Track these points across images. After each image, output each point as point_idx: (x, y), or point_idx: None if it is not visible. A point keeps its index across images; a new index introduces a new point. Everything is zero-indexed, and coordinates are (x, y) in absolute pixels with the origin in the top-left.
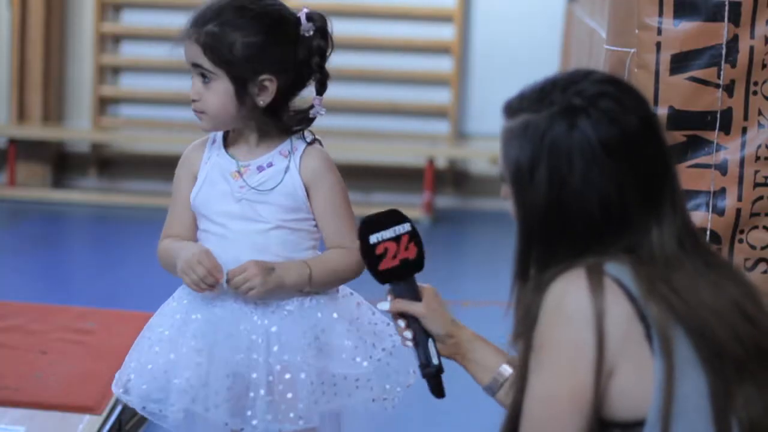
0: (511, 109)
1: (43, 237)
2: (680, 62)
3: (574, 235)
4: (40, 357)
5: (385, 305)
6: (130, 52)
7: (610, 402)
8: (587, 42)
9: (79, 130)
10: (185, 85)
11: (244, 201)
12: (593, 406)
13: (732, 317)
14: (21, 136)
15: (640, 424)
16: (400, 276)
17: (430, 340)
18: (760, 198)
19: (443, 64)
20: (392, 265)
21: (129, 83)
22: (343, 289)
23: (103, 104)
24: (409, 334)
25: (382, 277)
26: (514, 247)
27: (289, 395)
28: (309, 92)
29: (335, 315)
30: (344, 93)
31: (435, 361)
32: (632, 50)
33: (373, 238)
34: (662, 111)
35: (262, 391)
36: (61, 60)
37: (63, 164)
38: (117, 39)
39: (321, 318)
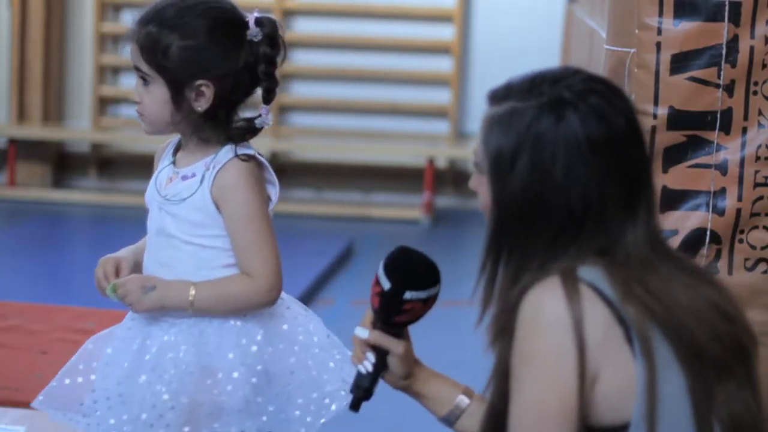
0: (497, 96)
1: (43, 237)
2: (680, 62)
3: (549, 231)
4: (40, 357)
5: (364, 333)
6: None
7: (595, 408)
8: (587, 42)
9: (79, 130)
10: None
11: (163, 211)
12: (579, 413)
13: (710, 317)
14: (21, 136)
15: (623, 428)
16: (400, 327)
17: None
18: (760, 198)
19: (443, 64)
20: (405, 320)
21: (129, 83)
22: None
23: (103, 104)
24: (372, 358)
25: (389, 325)
26: (484, 241)
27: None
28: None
29: (224, 342)
30: (344, 93)
31: (373, 390)
32: (632, 50)
33: (408, 295)
34: (662, 111)
35: (144, 415)
36: (61, 60)
37: (63, 164)
38: (117, 39)
39: (206, 344)
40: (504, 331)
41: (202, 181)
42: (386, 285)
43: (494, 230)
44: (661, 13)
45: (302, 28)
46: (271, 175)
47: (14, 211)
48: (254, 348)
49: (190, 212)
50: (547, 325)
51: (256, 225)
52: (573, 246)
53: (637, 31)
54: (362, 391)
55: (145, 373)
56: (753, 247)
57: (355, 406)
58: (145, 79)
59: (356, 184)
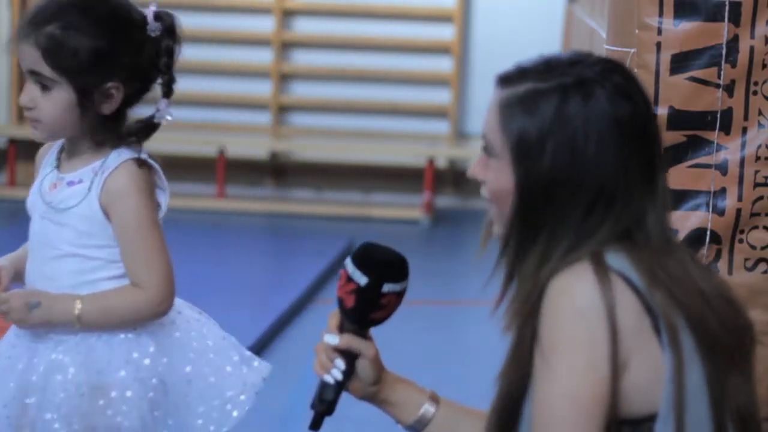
0: (510, 78)
1: None
2: (680, 62)
3: (578, 213)
4: None
5: (334, 339)
6: None
7: (623, 397)
8: (587, 42)
9: None
10: (185, 84)
11: (46, 220)
12: (610, 401)
13: (721, 307)
14: (21, 136)
15: (649, 419)
16: (372, 326)
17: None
18: (761, 198)
19: (443, 64)
20: (381, 317)
21: None
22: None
23: None
24: (342, 365)
25: (363, 322)
26: (506, 225)
27: None
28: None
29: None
30: (344, 93)
31: (337, 403)
32: (632, 50)
33: (386, 288)
34: (662, 111)
35: None
36: None
37: None
38: None
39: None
40: (527, 318)
41: (90, 188)
42: (362, 280)
43: (519, 213)
44: (661, 13)
45: (302, 28)
46: (162, 180)
47: (14, 211)
48: (147, 361)
49: (77, 221)
50: (579, 312)
51: (147, 234)
52: (601, 227)
53: (637, 31)
54: (326, 405)
55: (34, 394)
56: (753, 247)
57: (316, 424)
58: (44, 84)
59: (356, 184)
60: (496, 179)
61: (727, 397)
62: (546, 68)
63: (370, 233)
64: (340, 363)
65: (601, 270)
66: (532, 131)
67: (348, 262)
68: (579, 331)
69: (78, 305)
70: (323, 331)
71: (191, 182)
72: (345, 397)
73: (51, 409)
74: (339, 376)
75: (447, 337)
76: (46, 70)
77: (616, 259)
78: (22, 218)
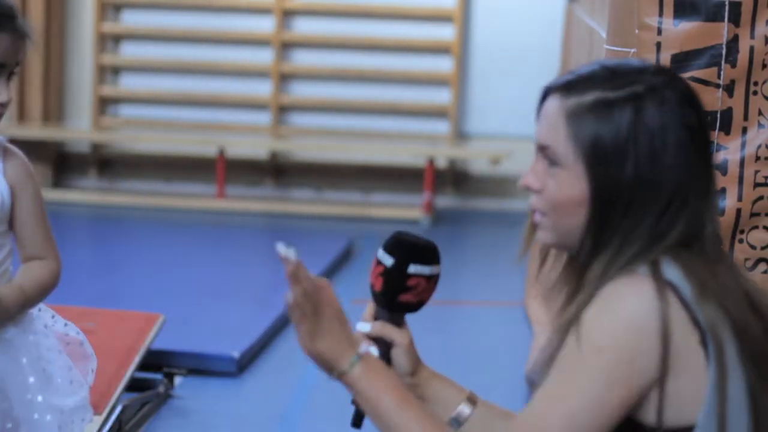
0: (571, 87)
1: None
2: (680, 62)
3: (649, 219)
4: None
5: (367, 326)
6: (130, 52)
7: (665, 407)
8: (587, 42)
9: (79, 130)
10: (185, 85)
11: None
12: (630, 410)
13: (765, 309)
14: (21, 136)
15: (686, 429)
16: (404, 311)
17: None
18: (760, 198)
19: (443, 64)
20: (411, 300)
21: (129, 83)
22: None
23: (103, 104)
24: (376, 352)
25: (393, 305)
26: (585, 232)
27: None
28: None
29: (45, 340)
30: (344, 93)
31: None
32: (632, 50)
33: (412, 269)
34: None
35: None
36: (61, 60)
37: (63, 164)
38: (117, 39)
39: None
40: (574, 314)
41: None
42: (388, 261)
43: (596, 221)
44: (661, 13)
45: (302, 28)
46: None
47: None
48: None
49: None
50: (635, 323)
51: (44, 209)
52: (670, 234)
53: (637, 31)
54: None
55: None
56: (753, 247)
57: (357, 421)
58: None
59: (356, 184)
60: (563, 189)
61: (766, 405)
62: (612, 75)
63: (370, 233)
64: (374, 350)
65: (659, 282)
66: (608, 139)
67: (380, 249)
68: (630, 342)
69: (21, 291)
70: (359, 321)
71: (191, 182)
72: (350, 395)
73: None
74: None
75: (447, 337)
76: None
77: (671, 269)
78: None
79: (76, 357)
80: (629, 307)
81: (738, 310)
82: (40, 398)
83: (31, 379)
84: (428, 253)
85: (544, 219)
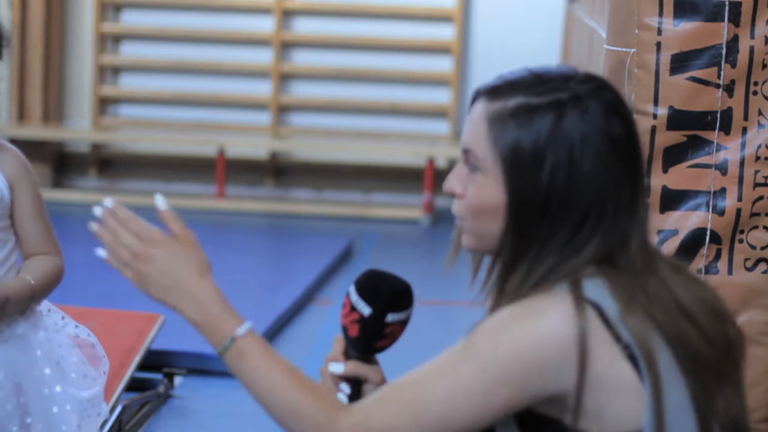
0: (497, 91)
1: None
2: (680, 62)
3: (568, 229)
4: None
5: (340, 367)
6: (130, 52)
7: (587, 419)
8: (587, 42)
9: (79, 130)
10: (185, 85)
11: None
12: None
13: (703, 317)
14: (21, 136)
15: None
16: (377, 353)
17: None
18: (760, 198)
19: (443, 64)
20: (386, 345)
21: (129, 83)
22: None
23: (103, 104)
24: (347, 389)
25: (368, 350)
26: (499, 240)
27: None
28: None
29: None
30: (344, 93)
31: None
32: (632, 50)
33: (390, 318)
34: (662, 111)
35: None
36: (61, 60)
37: (63, 164)
38: (117, 39)
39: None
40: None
41: None
42: (366, 310)
43: (512, 228)
44: (661, 13)
45: (302, 28)
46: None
47: None
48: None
49: None
50: (546, 334)
51: (43, 204)
52: (587, 246)
53: (637, 31)
54: None
55: None
56: (753, 247)
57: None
58: None
59: (356, 184)
60: (481, 194)
61: (716, 411)
62: (538, 82)
63: (370, 233)
64: (346, 388)
65: (579, 302)
66: (527, 145)
67: (352, 290)
68: (532, 348)
69: (30, 284)
70: (327, 357)
71: (191, 182)
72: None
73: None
74: (344, 401)
75: (447, 337)
76: None
77: (593, 287)
78: None
79: (88, 358)
80: (547, 322)
81: (669, 320)
82: (58, 388)
83: (48, 371)
84: (405, 299)
85: (463, 223)
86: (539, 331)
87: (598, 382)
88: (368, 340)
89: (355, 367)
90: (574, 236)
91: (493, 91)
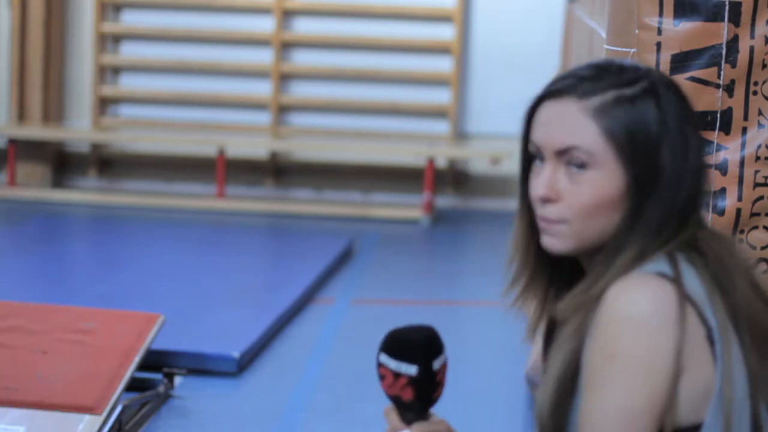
0: (582, 88)
1: (43, 237)
2: (680, 62)
3: (679, 204)
4: (40, 357)
5: None
6: (130, 52)
7: (675, 408)
8: (587, 42)
9: (79, 130)
10: (185, 85)
11: None
12: (663, 412)
13: (758, 299)
14: (21, 136)
15: (695, 428)
16: (433, 404)
17: None
18: (760, 198)
19: (443, 64)
20: (441, 392)
21: (129, 83)
22: None
23: (103, 104)
24: None
25: (426, 406)
26: (619, 227)
27: None
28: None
29: None
30: (344, 93)
31: None
32: (632, 50)
33: (436, 364)
34: None
35: None
36: (61, 60)
37: (63, 164)
38: (117, 39)
39: None
40: (585, 312)
41: None
42: (412, 370)
43: (630, 212)
44: (661, 13)
45: (302, 28)
46: None
47: (14, 211)
48: None
49: None
50: (646, 323)
51: None
52: (689, 223)
53: (637, 31)
54: None
55: None
56: (753, 247)
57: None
58: None
59: (356, 184)
60: (598, 190)
61: (763, 390)
62: (616, 74)
63: (370, 233)
64: None
65: (678, 280)
66: (642, 130)
67: (386, 359)
68: (641, 343)
69: None
70: (387, 430)
71: (191, 182)
72: (351, 394)
73: None
74: None
75: (447, 337)
76: None
77: (685, 267)
78: (22, 218)
79: None
80: (641, 308)
81: (745, 304)
82: None
83: None
84: (436, 340)
85: (563, 227)
86: (639, 318)
87: (687, 362)
88: (424, 396)
89: (422, 428)
90: (683, 209)
91: (583, 91)
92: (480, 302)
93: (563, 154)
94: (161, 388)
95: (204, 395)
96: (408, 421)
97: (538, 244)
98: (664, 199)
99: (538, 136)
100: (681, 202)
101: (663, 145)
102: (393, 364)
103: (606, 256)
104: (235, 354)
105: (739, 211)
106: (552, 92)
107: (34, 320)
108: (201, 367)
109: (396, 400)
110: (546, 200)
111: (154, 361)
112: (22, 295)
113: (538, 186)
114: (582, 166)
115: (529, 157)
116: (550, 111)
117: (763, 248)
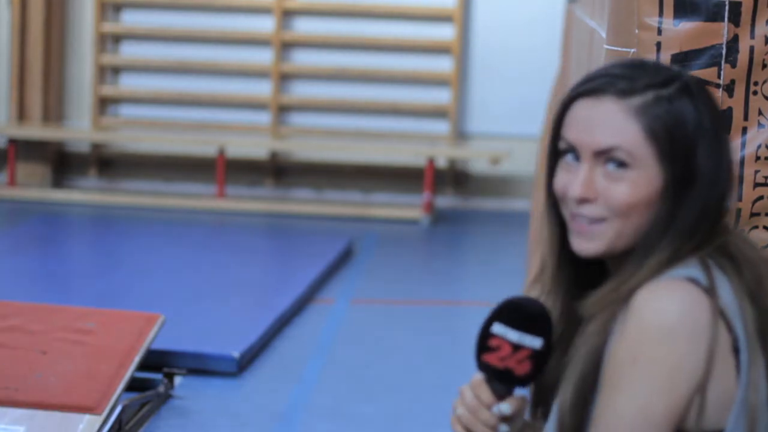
0: (621, 87)
1: (43, 237)
2: (680, 62)
3: (713, 202)
4: (40, 357)
5: (507, 407)
6: (130, 52)
7: (700, 413)
8: (587, 42)
9: (79, 130)
10: (185, 85)
11: None
12: (683, 419)
13: None
14: (21, 136)
15: None
16: (503, 379)
17: None
18: (760, 198)
19: (443, 64)
20: (496, 365)
21: (129, 83)
22: None
23: (103, 104)
24: (505, 428)
25: (529, 382)
26: (653, 226)
27: None
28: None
29: None
30: (344, 93)
31: None
32: (632, 50)
33: (496, 328)
34: None
35: None
36: (61, 60)
37: (63, 164)
38: (117, 39)
39: None
40: (612, 310)
41: None
42: (536, 343)
43: (666, 211)
44: (661, 13)
45: (302, 28)
46: None
47: (14, 211)
48: None
49: None
50: (672, 333)
51: None
52: (716, 233)
53: (637, 31)
54: None
55: None
56: None
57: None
58: None
59: (356, 184)
60: (639, 189)
61: None
62: (652, 74)
63: (370, 233)
64: (505, 427)
65: (713, 290)
66: (680, 130)
67: (503, 330)
68: (667, 350)
69: None
70: (469, 403)
71: (191, 182)
72: (351, 394)
73: None
74: None
75: (447, 337)
76: None
77: (717, 273)
78: (22, 218)
79: None
80: (669, 315)
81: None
82: None
83: None
84: (526, 319)
85: (602, 226)
86: (668, 325)
87: (714, 369)
88: (538, 372)
89: (519, 401)
90: (715, 211)
91: (621, 91)
92: (480, 302)
93: (602, 153)
94: (161, 388)
95: (204, 395)
96: (499, 394)
97: (564, 243)
98: (698, 198)
99: (573, 135)
100: (714, 204)
101: (699, 145)
102: (514, 335)
103: (638, 257)
104: (235, 354)
105: (739, 211)
106: (588, 91)
107: (34, 320)
108: (201, 367)
109: (502, 374)
110: (584, 200)
111: (154, 361)
112: (22, 295)
113: (576, 186)
114: (621, 165)
115: (557, 154)
116: (587, 109)
117: (763, 248)
